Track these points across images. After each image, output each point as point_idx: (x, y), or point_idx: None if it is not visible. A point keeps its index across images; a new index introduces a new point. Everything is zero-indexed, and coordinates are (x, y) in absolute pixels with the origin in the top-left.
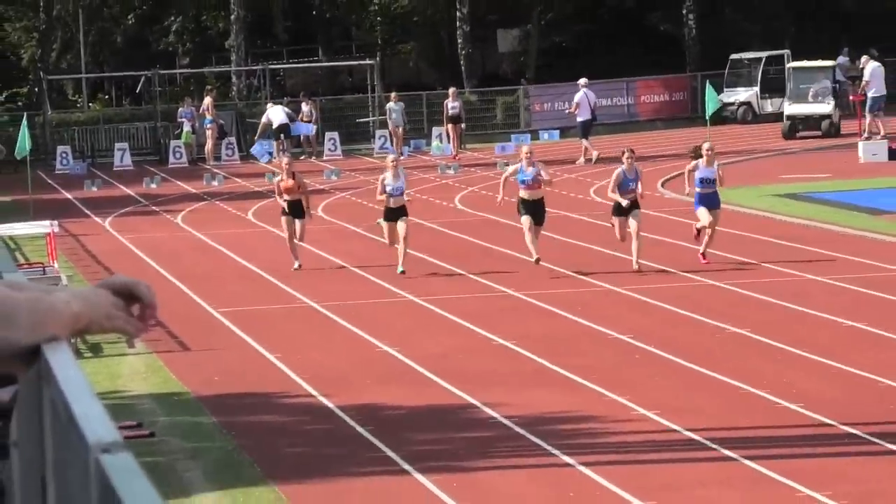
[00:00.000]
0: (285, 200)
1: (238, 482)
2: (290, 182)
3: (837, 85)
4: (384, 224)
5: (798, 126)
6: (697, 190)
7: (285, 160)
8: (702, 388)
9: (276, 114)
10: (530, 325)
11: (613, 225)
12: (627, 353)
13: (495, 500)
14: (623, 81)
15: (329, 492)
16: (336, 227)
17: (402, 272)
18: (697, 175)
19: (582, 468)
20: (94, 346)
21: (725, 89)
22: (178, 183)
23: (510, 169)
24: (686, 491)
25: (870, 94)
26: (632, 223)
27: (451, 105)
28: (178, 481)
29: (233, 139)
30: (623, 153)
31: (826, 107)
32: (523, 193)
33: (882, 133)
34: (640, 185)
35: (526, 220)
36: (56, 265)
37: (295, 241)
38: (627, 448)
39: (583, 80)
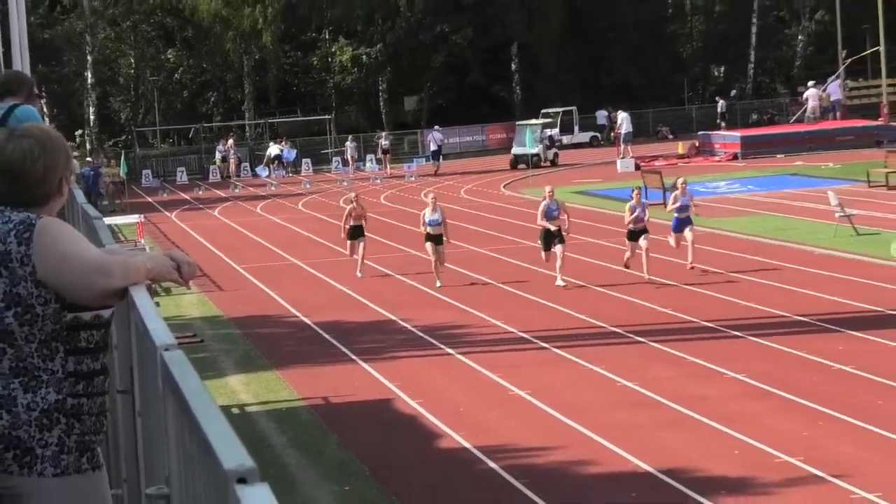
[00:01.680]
0: (351, 225)
1: (253, 369)
2: (360, 209)
3: (551, 133)
4: (428, 246)
5: (518, 161)
6: (675, 215)
7: (353, 194)
8: (529, 307)
9: (273, 149)
10: (429, 274)
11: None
12: (484, 289)
13: (409, 378)
14: (479, 126)
15: (308, 374)
16: (309, 216)
17: (440, 286)
18: (676, 204)
19: (459, 356)
20: (167, 289)
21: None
22: (215, 191)
23: (542, 206)
24: (521, 368)
25: (622, 132)
26: (642, 243)
27: (384, 143)
28: (217, 368)
29: (247, 164)
30: (632, 189)
31: (533, 148)
32: (548, 224)
33: (630, 155)
34: (647, 214)
35: (546, 252)
36: (143, 241)
37: (356, 255)
38: (484, 343)
39: (436, 128)
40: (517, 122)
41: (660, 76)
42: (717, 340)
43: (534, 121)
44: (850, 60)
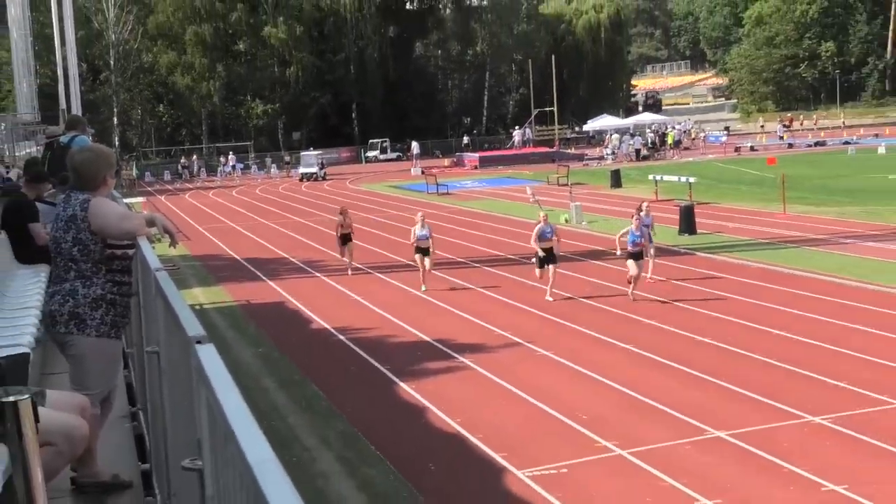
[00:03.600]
0: (341, 234)
1: (207, 284)
2: (347, 221)
3: (322, 161)
4: (417, 257)
5: (303, 177)
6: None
7: (340, 209)
8: (363, 249)
9: (231, 159)
10: (288, 222)
11: (628, 267)
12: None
13: (294, 289)
14: (335, 149)
15: (238, 287)
16: (240, 199)
17: (424, 290)
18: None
19: (323, 277)
20: (158, 239)
21: (369, 151)
22: (186, 185)
23: (537, 228)
24: (357, 284)
25: (415, 153)
26: (641, 265)
27: (287, 158)
28: (186, 284)
29: (204, 169)
30: (633, 216)
31: (313, 169)
32: (543, 245)
33: (419, 165)
34: (652, 237)
35: (540, 269)
36: (145, 212)
37: (346, 256)
38: (336, 271)
39: (311, 149)
40: (301, 153)
41: (435, 122)
42: (460, 269)
43: (314, 151)
44: (534, 114)
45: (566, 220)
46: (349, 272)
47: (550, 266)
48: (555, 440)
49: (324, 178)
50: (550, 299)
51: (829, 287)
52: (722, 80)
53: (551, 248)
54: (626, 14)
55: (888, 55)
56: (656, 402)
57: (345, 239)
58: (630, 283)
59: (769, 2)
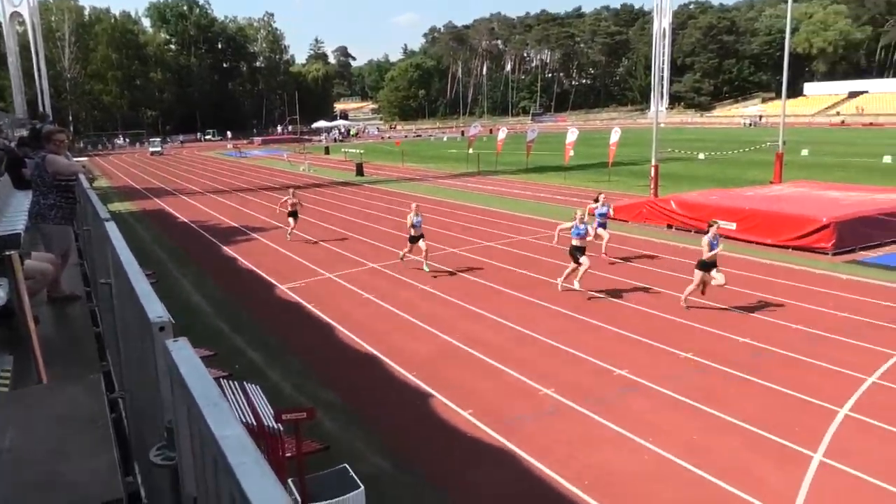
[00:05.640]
0: (290, 210)
1: (122, 200)
2: (294, 200)
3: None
4: (409, 244)
5: (152, 153)
6: (598, 220)
7: (292, 190)
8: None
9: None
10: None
11: (695, 277)
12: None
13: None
14: (190, 134)
15: (138, 202)
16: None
17: (428, 270)
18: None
19: (289, 239)
20: (96, 178)
21: (206, 135)
22: (107, 152)
23: (566, 225)
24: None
25: (229, 137)
26: (716, 276)
27: (123, 141)
28: (109, 199)
29: (114, 144)
30: (709, 225)
31: (157, 148)
32: (575, 242)
33: (232, 144)
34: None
35: (584, 260)
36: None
37: (293, 228)
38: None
39: (167, 137)
40: (150, 139)
41: (239, 122)
42: (248, 192)
43: (158, 139)
44: (288, 119)
45: (303, 170)
46: (288, 237)
47: (584, 258)
48: (301, 272)
49: (161, 154)
50: (579, 288)
51: (427, 200)
52: (377, 105)
53: (584, 247)
54: (330, 72)
55: (450, 96)
56: (356, 254)
57: (293, 213)
58: (703, 286)
59: (397, 70)
